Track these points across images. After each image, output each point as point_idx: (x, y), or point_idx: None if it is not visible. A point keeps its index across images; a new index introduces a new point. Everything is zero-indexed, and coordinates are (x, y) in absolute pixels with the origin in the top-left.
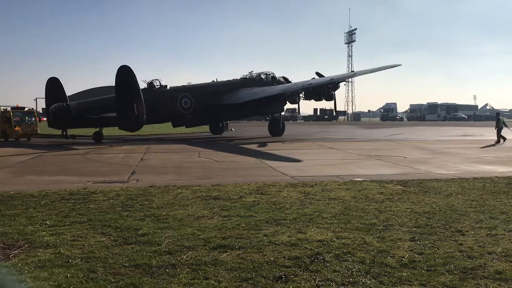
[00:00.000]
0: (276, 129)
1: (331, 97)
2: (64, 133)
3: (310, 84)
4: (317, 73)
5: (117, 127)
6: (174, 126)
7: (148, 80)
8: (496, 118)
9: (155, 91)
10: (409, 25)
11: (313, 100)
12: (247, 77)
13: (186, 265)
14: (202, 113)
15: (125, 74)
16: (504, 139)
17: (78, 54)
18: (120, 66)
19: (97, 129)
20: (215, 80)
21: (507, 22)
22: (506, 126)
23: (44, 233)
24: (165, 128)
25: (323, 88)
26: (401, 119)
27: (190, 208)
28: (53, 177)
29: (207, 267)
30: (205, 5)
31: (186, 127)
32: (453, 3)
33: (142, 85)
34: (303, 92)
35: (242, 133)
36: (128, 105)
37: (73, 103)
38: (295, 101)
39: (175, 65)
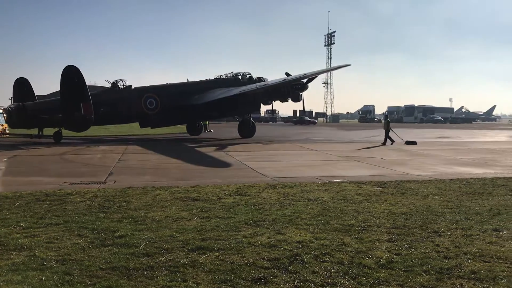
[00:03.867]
0: (246, 130)
1: (298, 98)
2: (40, 133)
3: (265, 85)
4: (287, 74)
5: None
6: (141, 126)
7: (112, 80)
8: (385, 121)
9: (118, 92)
10: (387, 28)
11: (278, 101)
12: (221, 77)
13: (164, 267)
14: (168, 114)
15: (71, 74)
16: (392, 141)
17: (56, 54)
18: (67, 66)
19: (57, 129)
20: (187, 80)
21: (480, 27)
22: (391, 129)
23: (18, 235)
24: (143, 129)
25: (287, 89)
26: (379, 121)
27: (168, 209)
28: (29, 178)
29: (186, 269)
30: (188, 5)
31: (151, 128)
32: (429, 8)
33: (107, 85)
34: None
35: (220, 134)
36: (74, 105)
37: (30, 103)
38: (267, 102)
39: (155, 66)
